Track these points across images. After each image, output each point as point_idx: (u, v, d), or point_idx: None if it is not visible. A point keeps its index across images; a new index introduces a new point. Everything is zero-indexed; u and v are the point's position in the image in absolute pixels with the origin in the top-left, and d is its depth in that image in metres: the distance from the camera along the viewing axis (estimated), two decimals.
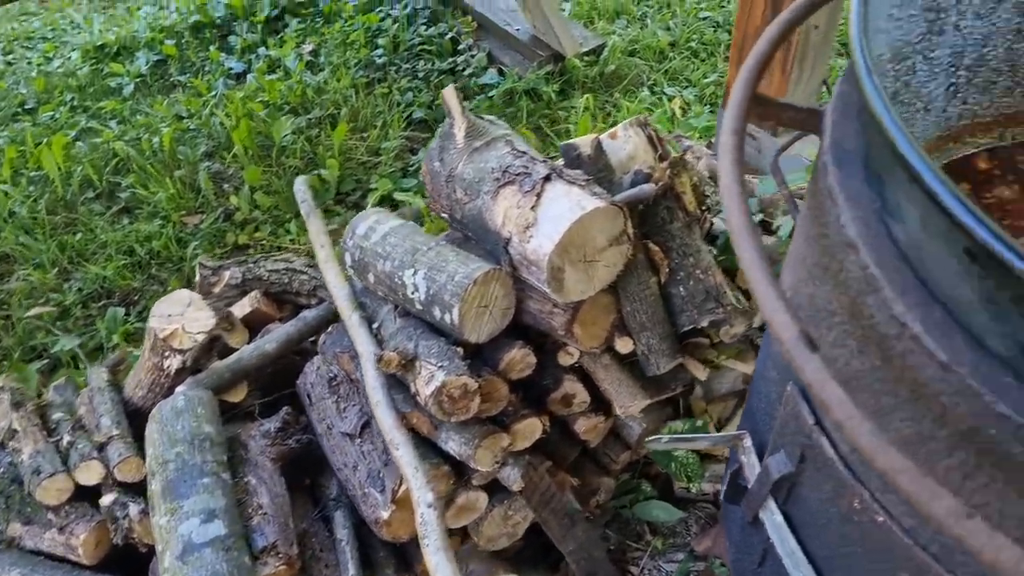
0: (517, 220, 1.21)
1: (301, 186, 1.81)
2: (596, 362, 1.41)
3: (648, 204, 1.37)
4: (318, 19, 3.40)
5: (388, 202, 2.47)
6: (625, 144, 1.40)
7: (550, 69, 2.86)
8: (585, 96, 2.72)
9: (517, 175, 1.24)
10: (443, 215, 1.40)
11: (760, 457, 1.04)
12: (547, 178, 1.22)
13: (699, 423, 1.62)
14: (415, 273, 1.28)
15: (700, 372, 1.52)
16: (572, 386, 1.41)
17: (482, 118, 1.36)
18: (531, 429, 1.36)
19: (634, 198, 1.29)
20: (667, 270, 1.37)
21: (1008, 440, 0.62)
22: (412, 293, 1.29)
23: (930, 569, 0.78)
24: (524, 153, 1.28)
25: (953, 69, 1.00)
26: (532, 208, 1.20)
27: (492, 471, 1.34)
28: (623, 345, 1.38)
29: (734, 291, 1.49)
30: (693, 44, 3.20)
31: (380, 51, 3.09)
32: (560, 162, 1.39)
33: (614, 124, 2.78)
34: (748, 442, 1.04)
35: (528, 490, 1.40)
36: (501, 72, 2.92)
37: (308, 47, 3.22)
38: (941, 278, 0.67)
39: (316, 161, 2.64)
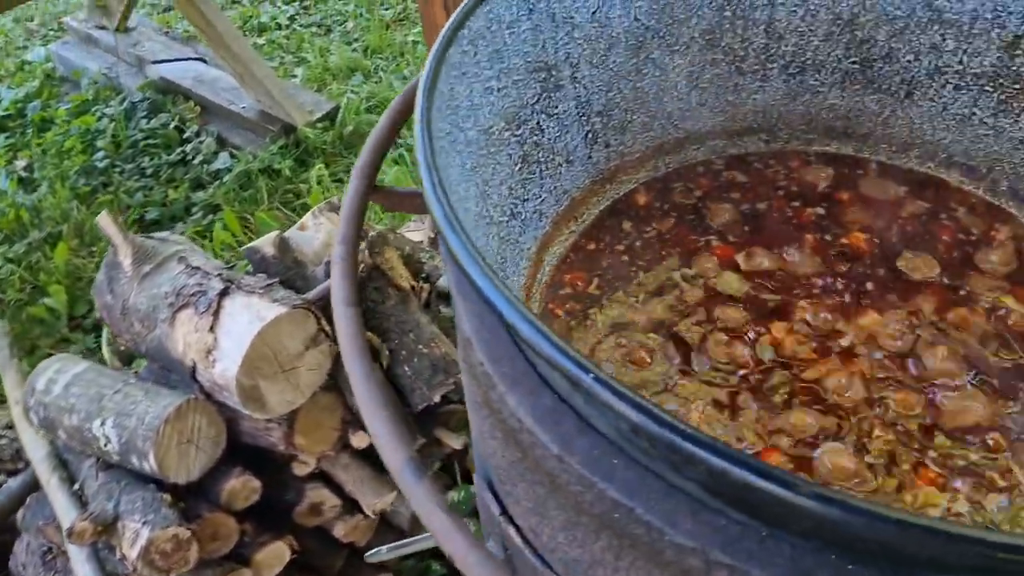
0: (197, 345, 1.12)
1: None
2: (335, 464, 1.34)
3: None
4: (28, 130, 3.14)
5: None
6: (317, 233, 1.34)
7: (284, 142, 2.77)
8: (318, 166, 2.65)
9: (192, 296, 1.15)
10: (132, 348, 1.29)
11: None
12: (224, 293, 1.14)
13: (475, 489, 1.57)
14: (103, 423, 1.16)
15: (455, 441, 1.48)
16: (317, 494, 1.33)
17: (151, 237, 1.26)
18: (276, 555, 1.26)
19: (328, 292, 1.23)
20: (387, 353, 1.32)
21: (628, 522, 0.60)
22: (105, 445, 1.17)
23: None
24: (199, 269, 1.19)
25: (584, 118, 1.01)
26: (211, 329, 1.11)
27: None
28: (359, 440, 1.31)
29: None
30: None
31: (101, 154, 2.89)
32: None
33: None
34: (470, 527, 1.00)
35: None
36: (234, 155, 2.80)
37: (21, 163, 2.96)
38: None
39: (41, 289, 2.41)
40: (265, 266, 1.26)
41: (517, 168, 0.92)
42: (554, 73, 0.94)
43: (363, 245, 1.34)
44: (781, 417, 0.84)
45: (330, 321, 1.21)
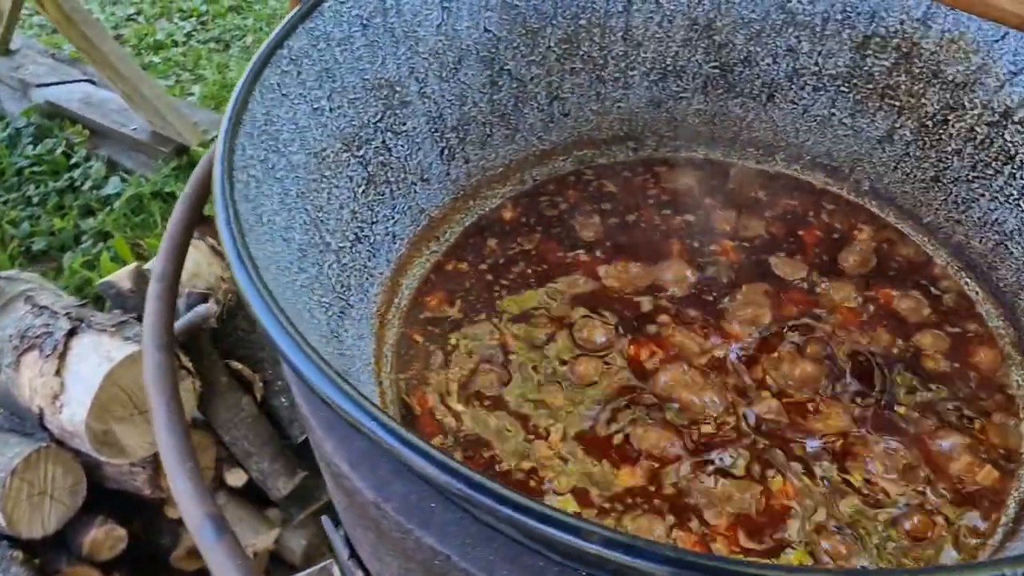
0: (43, 390, 1.05)
1: None
2: None
3: (222, 320, 1.25)
4: None
5: None
6: None
7: (177, 164, 2.67)
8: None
9: (37, 338, 1.08)
10: None
11: None
12: (72, 333, 1.07)
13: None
14: None
15: None
16: None
17: None
18: None
19: (190, 325, 1.17)
20: (261, 385, 1.26)
21: (449, 570, 0.56)
22: None
23: None
24: (46, 309, 1.12)
25: (438, 134, 0.97)
26: (57, 373, 1.04)
27: None
28: (235, 478, 1.25)
29: None
30: None
31: None
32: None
33: None
34: (335, 571, 0.95)
35: None
36: (125, 179, 2.69)
37: None
38: None
39: None
40: (122, 301, 1.19)
41: (361, 190, 0.87)
42: (398, 89, 0.90)
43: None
44: (643, 436, 0.81)
45: (191, 355, 1.15)
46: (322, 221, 0.79)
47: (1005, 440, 0.80)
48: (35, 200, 2.68)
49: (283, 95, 0.74)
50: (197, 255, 1.30)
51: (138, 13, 3.81)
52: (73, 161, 2.77)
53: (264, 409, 1.27)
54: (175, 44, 3.59)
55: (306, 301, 0.69)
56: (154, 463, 1.13)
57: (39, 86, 2.97)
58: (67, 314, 1.10)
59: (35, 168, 2.77)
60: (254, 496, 1.31)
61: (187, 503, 0.56)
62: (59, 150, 2.79)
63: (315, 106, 0.79)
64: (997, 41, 0.87)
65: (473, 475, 0.43)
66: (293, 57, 0.75)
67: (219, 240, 0.61)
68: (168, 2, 3.88)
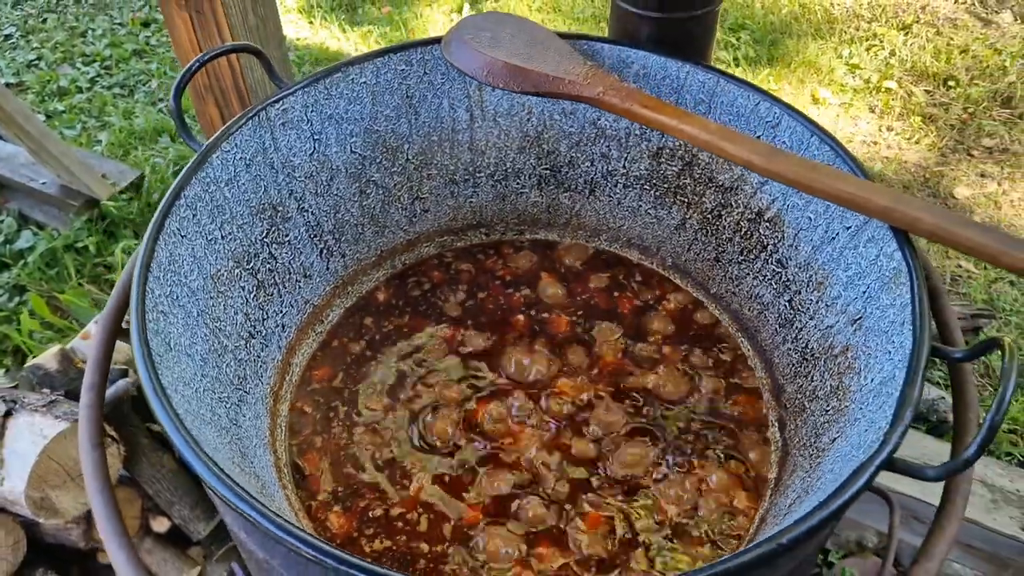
0: None
1: None
2: (139, 549, 1.45)
3: (140, 389, 1.43)
4: None
5: None
6: None
7: (88, 216, 2.80)
8: (124, 240, 2.70)
9: None
10: None
11: None
12: (7, 414, 1.24)
13: None
14: None
15: None
16: None
17: None
18: None
19: (114, 397, 1.35)
20: None
21: None
22: None
23: None
24: None
25: (317, 239, 1.18)
26: None
27: None
28: (159, 525, 1.44)
29: None
30: None
31: None
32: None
33: None
34: None
35: None
36: (36, 233, 2.80)
37: None
38: None
39: None
40: (50, 380, 1.36)
41: (252, 295, 1.08)
42: (280, 209, 1.11)
43: None
44: (487, 481, 1.03)
45: (114, 424, 1.33)
46: (220, 329, 0.99)
47: (758, 470, 1.06)
48: None
49: (182, 236, 0.94)
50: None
51: (39, 59, 3.88)
52: None
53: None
54: (79, 90, 3.67)
55: (208, 402, 0.90)
56: (87, 519, 1.31)
57: None
58: (1, 397, 1.27)
59: None
60: (178, 538, 1.50)
61: (122, 570, 0.76)
62: None
63: (209, 238, 0.99)
64: None
65: (294, 530, 0.64)
66: (189, 203, 0.95)
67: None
68: (70, 47, 3.96)
